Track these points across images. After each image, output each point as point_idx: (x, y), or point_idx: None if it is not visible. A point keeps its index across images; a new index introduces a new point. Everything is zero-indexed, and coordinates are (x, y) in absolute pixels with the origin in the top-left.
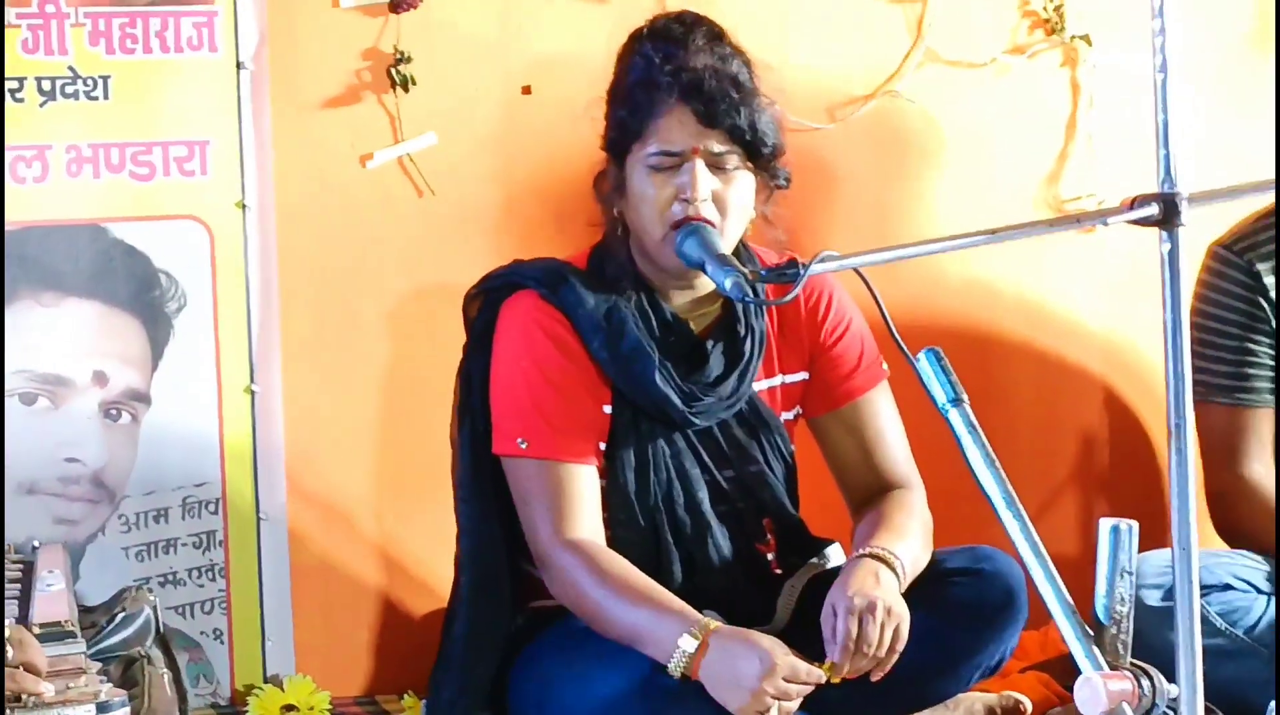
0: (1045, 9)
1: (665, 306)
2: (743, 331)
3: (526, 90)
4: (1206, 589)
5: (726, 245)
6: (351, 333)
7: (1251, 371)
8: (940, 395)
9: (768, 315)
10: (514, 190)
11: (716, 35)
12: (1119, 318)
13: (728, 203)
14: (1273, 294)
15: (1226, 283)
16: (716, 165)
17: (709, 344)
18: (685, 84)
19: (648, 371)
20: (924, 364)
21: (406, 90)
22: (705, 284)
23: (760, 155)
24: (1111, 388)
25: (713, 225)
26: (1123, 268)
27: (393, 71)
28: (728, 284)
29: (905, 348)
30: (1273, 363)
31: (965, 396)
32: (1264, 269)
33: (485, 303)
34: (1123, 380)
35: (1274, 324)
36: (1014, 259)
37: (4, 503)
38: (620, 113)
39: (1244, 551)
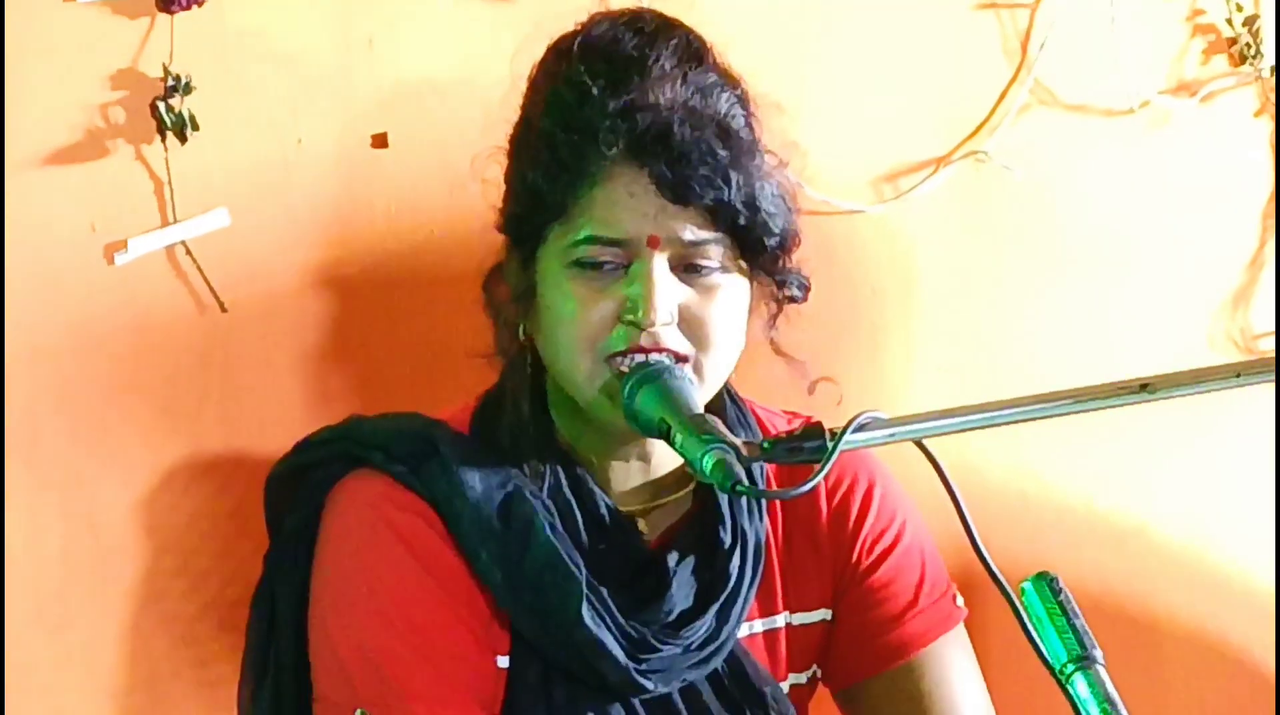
0: (1230, 23)
1: (599, 494)
2: (728, 540)
3: (380, 141)
4: None
5: (704, 396)
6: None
7: None
8: (1058, 651)
9: (769, 516)
10: (353, 300)
11: (695, 53)
12: None
13: (708, 326)
14: None
15: None
16: (689, 265)
17: (671, 559)
18: (640, 131)
19: (569, 603)
20: (1031, 600)
21: (183, 139)
22: (666, 458)
23: (761, 249)
24: None
25: (683, 362)
26: None
27: (161, 106)
28: (708, 464)
29: (998, 572)
30: None
31: (1099, 652)
32: None
33: (303, 486)
34: None
35: None
36: (1173, 426)
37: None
38: (530, 175)
39: None
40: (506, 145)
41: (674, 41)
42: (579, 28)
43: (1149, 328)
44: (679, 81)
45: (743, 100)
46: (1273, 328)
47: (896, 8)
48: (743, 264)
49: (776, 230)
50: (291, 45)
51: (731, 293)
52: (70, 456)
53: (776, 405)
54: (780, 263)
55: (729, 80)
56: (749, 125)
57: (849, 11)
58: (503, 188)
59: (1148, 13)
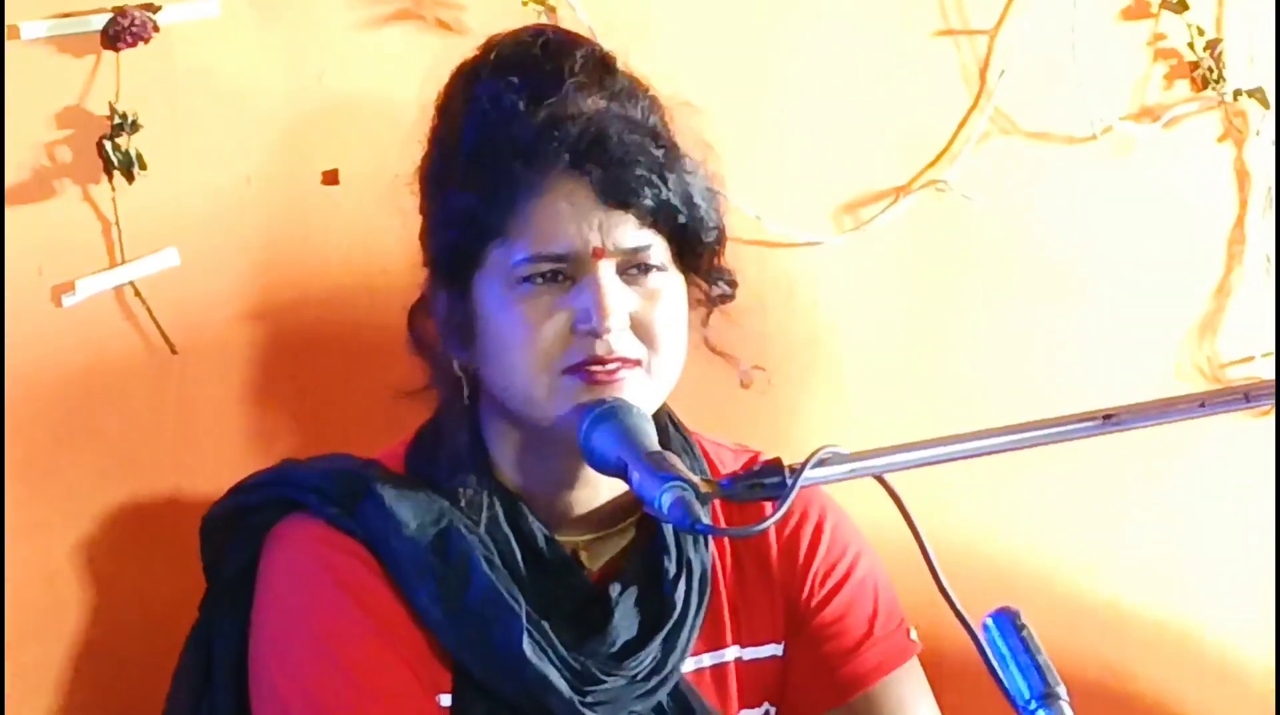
0: (1191, 47)
1: (538, 527)
2: (672, 569)
3: (331, 177)
4: None
5: (657, 398)
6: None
7: None
8: (1020, 687)
9: (719, 548)
10: (306, 339)
11: (604, 62)
12: None
13: (656, 327)
14: None
15: None
16: (633, 268)
17: (614, 591)
18: (574, 139)
19: (510, 637)
20: (993, 636)
21: (131, 179)
22: (608, 490)
23: (699, 247)
24: None
25: (635, 365)
26: None
27: (108, 145)
28: (666, 503)
29: (960, 607)
30: None
31: (1063, 689)
32: None
33: (240, 531)
34: None
35: None
36: (1139, 457)
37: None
38: (460, 199)
39: None
40: (416, 173)
41: (581, 52)
42: (479, 51)
43: (1113, 357)
44: (598, 89)
45: (655, 104)
46: (1239, 356)
47: (854, 36)
48: (679, 263)
49: (712, 226)
50: (240, 81)
51: (674, 293)
52: (20, 499)
53: (711, 421)
54: (714, 260)
55: (640, 86)
56: (666, 127)
57: (805, 40)
58: (419, 221)
59: (1108, 38)
